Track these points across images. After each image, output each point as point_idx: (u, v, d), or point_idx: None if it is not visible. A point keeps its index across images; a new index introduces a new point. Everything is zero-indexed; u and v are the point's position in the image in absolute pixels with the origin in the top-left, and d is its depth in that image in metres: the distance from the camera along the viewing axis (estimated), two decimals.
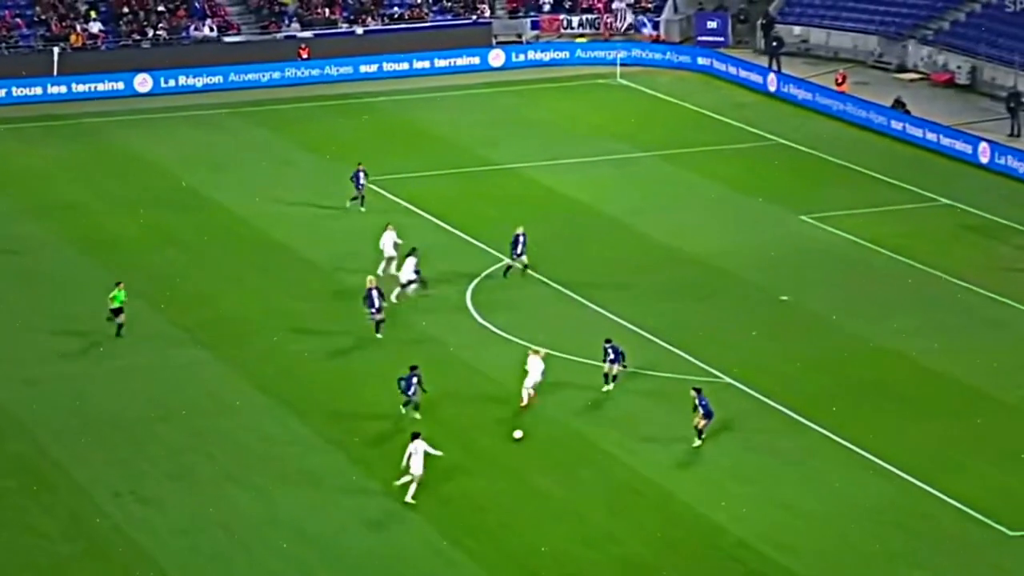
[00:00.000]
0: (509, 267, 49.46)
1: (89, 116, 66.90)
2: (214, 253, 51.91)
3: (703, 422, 38.80)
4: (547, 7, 78.79)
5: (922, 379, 42.76)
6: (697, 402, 38.71)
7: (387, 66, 73.06)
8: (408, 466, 36.25)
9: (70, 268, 50.48)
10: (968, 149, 60.96)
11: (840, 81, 68.77)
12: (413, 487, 36.20)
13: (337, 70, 72.58)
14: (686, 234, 53.34)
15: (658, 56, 74.91)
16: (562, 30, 78.22)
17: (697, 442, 38.81)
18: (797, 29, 75.84)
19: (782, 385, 41.86)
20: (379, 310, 44.71)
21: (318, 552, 34.72)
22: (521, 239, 49.16)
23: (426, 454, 36.29)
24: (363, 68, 72.87)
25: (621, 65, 73.27)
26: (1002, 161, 59.55)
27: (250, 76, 71.57)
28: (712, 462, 38.45)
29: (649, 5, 78.59)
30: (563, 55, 75.15)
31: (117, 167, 60.10)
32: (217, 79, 71.09)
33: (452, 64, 73.82)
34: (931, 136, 62.55)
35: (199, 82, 70.91)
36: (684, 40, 77.03)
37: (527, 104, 69.13)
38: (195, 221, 54.68)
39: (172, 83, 70.57)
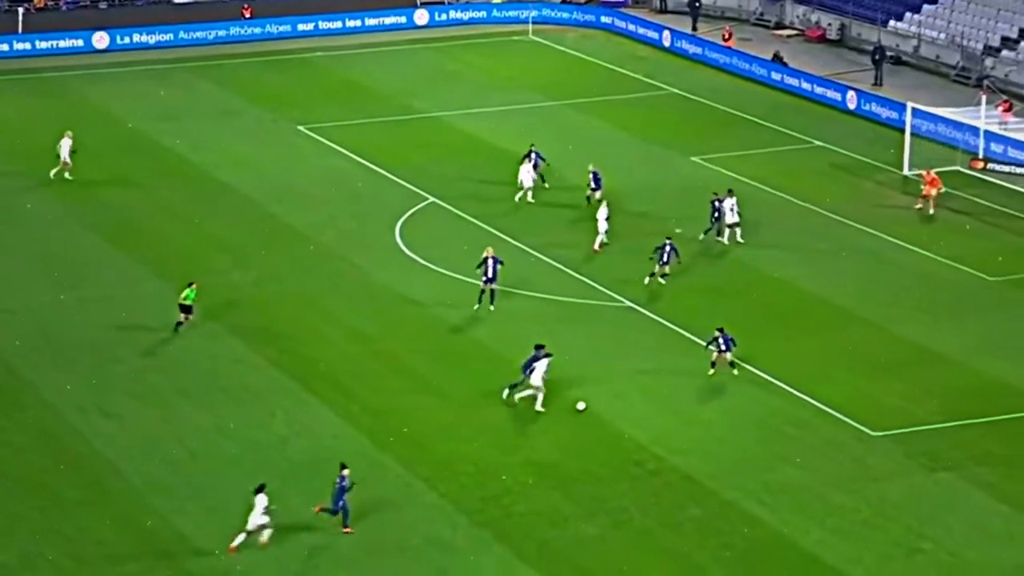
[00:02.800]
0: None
1: (51, 70, 65.74)
2: (165, 193, 51.18)
3: (719, 356, 37.49)
4: None
5: (800, 301, 42.94)
6: (720, 341, 37.36)
7: (322, 24, 72.26)
8: (528, 380, 35.61)
9: (41, 206, 49.60)
10: (838, 97, 61.07)
11: (726, 37, 68.64)
12: (540, 397, 35.62)
13: (277, 28, 71.66)
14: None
15: (566, 15, 74.47)
16: None
17: (735, 371, 37.65)
18: None
19: (683, 310, 41.82)
20: (491, 279, 41.03)
21: (261, 457, 34.45)
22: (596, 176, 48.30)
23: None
24: (301, 27, 71.97)
25: (533, 23, 72.75)
26: (867, 107, 59.75)
27: (198, 34, 70.53)
28: (619, 378, 38.42)
29: None
30: (481, 14, 74.55)
31: (77, 116, 58.94)
32: (168, 36, 70.06)
33: (381, 23, 73.06)
34: (806, 86, 62.62)
35: (152, 39, 69.89)
36: (589, 1, 76.56)
37: (449, 59, 68.51)
38: (149, 165, 53.90)
39: (127, 40, 69.51)
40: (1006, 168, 51.61)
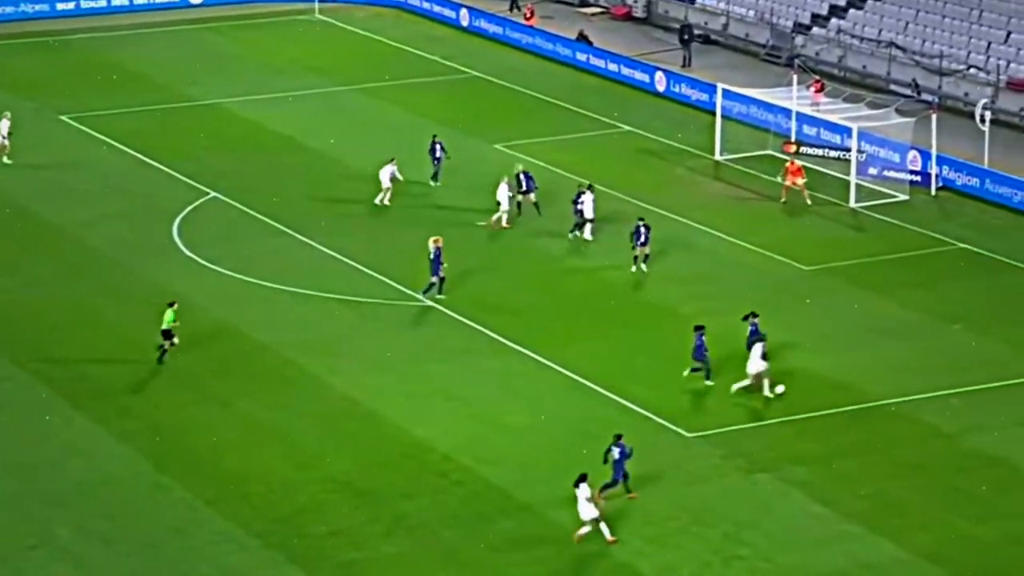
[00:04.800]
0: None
1: None
2: None
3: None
4: None
5: (607, 294, 43.55)
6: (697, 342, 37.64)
7: (84, 3, 70.51)
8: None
9: None
10: (646, 78, 62.08)
11: (528, 16, 69.20)
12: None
13: (33, 7, 69.72)
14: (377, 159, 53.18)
15: None
16: None
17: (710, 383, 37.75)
18: None
19: (482, 309, 42.06)
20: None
21: (32, 480, 33.66)
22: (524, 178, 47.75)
23: None
24: (60, 6, 70.18)
25: (320, 2, 72.32)
26: (676, 89, 60.82)
27: None
28: (419, 382, 38.50)
29: None
30: None
31: None
32: None
33: (151, 2, 71.78)
34: (612, 67, 63.49)
35: None
36: None
37: (228, 41, 67.72)
38: None
39: None
40: (819, 151, 53.09)
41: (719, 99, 54.85)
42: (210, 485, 33.90)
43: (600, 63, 64.00)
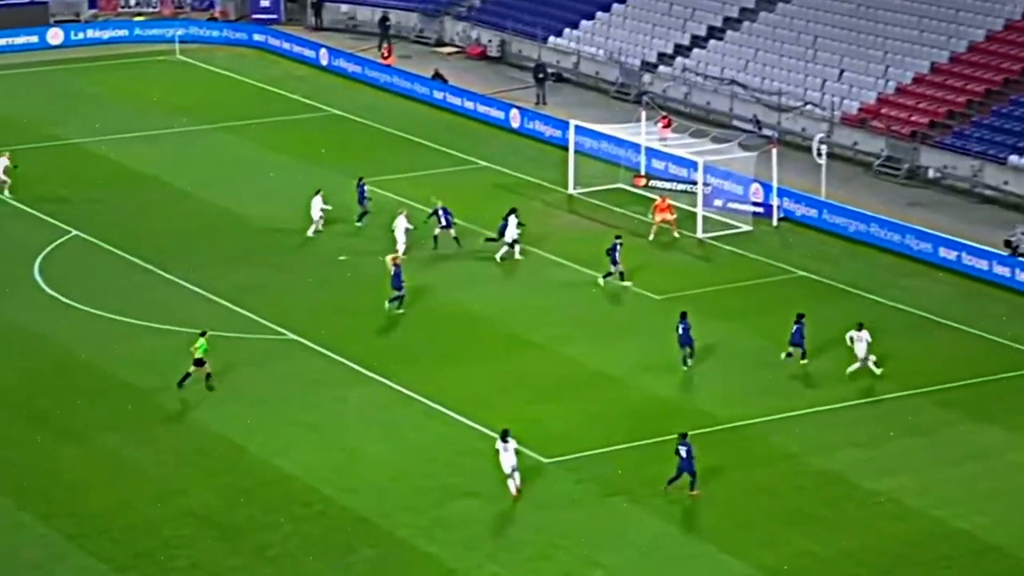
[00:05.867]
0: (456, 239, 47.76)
1: None
2: None
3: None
4: None
5: (467, 326, 43.46)
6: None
7: None
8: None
9: None
10: (501, 115, 62.21)
11: (386, 55, 69.05)
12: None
13: None
14: (250, 203, 52.66)
15: (215, 33, 73.52)
16: (120, 8, 75.72)
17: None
18: (344, 7, 75.75)
19: (345, 340, 41.75)
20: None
21: None
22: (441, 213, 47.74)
23: None
24: None
25: (180, 43, 71.56)
26: (531, 126, 61.04)
27: None
28: (281, 414, 38.05)
29: None
30: (122, 33, 72.90)
31: None
32: None
33: (9, 43, 70.49)
34: (468, 104, 63.52)
35: None
36: (240, 17, 75.88)
37: (90, 82, 66.69)
38: None
39: None
40: (667, 185, 53.54)
41: (572, 135, 55.14)
42: (72, 522, 33.11)
43: (456, 101, 64.04)
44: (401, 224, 47.45)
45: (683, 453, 34.25)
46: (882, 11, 61.51)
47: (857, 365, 40.10)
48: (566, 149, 55.27)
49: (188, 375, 38.65)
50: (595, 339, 42.23)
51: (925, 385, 39.77)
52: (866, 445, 36.89)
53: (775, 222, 51.48)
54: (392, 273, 43.34)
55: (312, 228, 49.46)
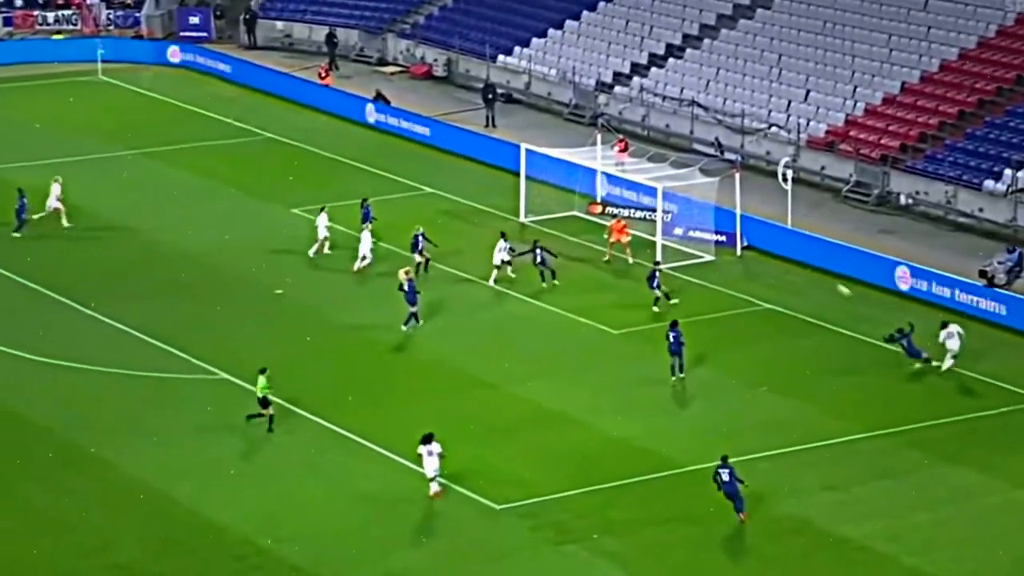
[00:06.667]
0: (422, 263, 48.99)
1: None
2: None
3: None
4: (20, 3, 75.95)
5: (415, 363, 43.58)
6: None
7: None
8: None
9: None
10: (448, 139, 62.31)
11: (323, 75, 69.25)
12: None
13: None
14: (178, 231, 52.67)
15: (141, 52, 73.55)
16: (37, 26, 75.62)
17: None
18: (280, 24, 75.99)
19: (281, 379, 41.68)
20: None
21: None
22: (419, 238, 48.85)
23: None
24: None
25: (103, 62, 71.52)
26: (480, 150, 61.13)
27: None
28: (212, 461, 38.01)
29: (130, 0, 76.99)
30: (40, 51, 72.72)
31: None
32: None
33: None
34: (412, 127, 63.63)
35: None
36: (167, 36, 75.93)
37: (5, 105, 66.51)
38: None
39: None
40: (624, 212, 53.94)
41: (523, 160, 55.40)
42: None
43: (400, 123, 64.26)
44: (366, 239, 48.95)
45: (725, 477, 35.37)
46: (850, 28, 62.18)
47: (949, 363, 42.21)
48: (517, 175, 55.52)
49: (259, 415, 38.99)
50: (550, 376, 42.41)
51: (896, 425, 40.19)
52: (836, 488, 37.22)
53: (738, 251, 51.92)
54: (405, 288, 44.69)
55: (314, 248, 50.18)
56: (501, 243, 49.06)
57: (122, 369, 42.35)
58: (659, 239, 51.13)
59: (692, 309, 47.20)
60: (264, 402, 38.86)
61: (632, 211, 54.01)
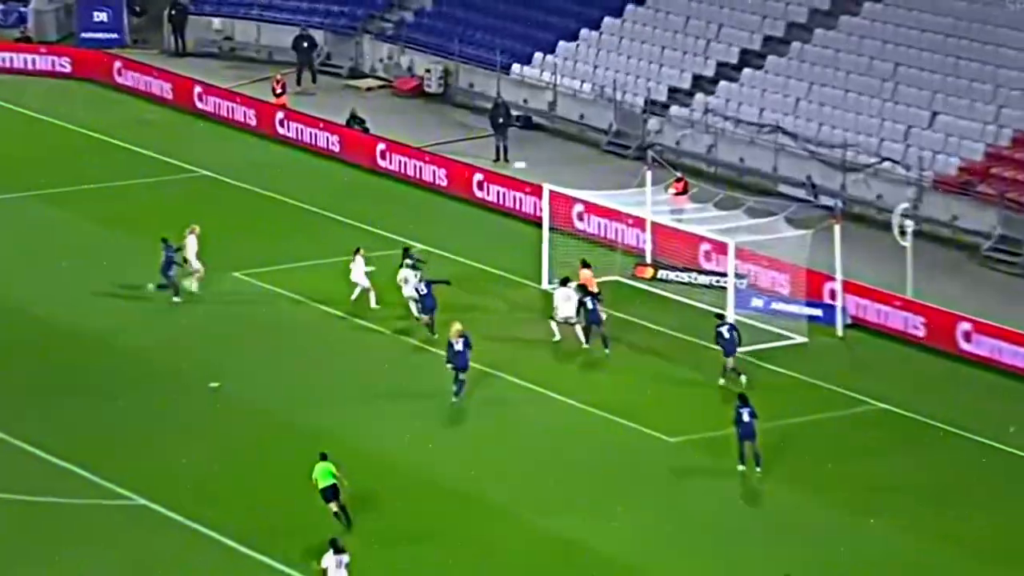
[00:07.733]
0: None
1: None
2: None
3: None
4: None
5: (397, 480, 43.45)
6: None
7: None
8: None
9: None
10: (444, 177, 62.48)
11: (279, 92, 69.44)
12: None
13: None
14: (74, 304, 53.10)
15: (29, 58, 73.97)
16: None
17: None
18: (217, 22, 76.34)
19: (216, 506, 41.68)
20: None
21: None
22: None
23: None
24: None
25: None
26: (487, 191, 61.26)
27: None
28: None
29: None
30: None
31: None
32: None
33: None
34: (399, 161, 63.87)
35: None
36: (64, 37, 76.36)
37: None
38: None
39: None
40: (683, 276, 53.84)
41: (546, 206, 55.47)
42: None
43: (381, 156, 64.38)
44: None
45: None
46: (992, 27, 62.10)
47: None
48: (537, 226, 55.55)
49: (339, 514, 40.58)
50: (574, 505, 42.09)
51: None
52: None
53: (840, 330, 51.83)
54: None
55: (355, 292, 52.48)
56: (562, 291, 50.33)
57: (23, 495, 42.34)
58: (731, 313, 51.01)
59: (777, 409, 47.01)
60: (334, 493, 40.23)
61: (693, 275, 53.97)
